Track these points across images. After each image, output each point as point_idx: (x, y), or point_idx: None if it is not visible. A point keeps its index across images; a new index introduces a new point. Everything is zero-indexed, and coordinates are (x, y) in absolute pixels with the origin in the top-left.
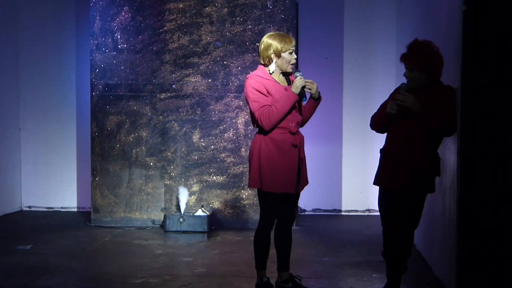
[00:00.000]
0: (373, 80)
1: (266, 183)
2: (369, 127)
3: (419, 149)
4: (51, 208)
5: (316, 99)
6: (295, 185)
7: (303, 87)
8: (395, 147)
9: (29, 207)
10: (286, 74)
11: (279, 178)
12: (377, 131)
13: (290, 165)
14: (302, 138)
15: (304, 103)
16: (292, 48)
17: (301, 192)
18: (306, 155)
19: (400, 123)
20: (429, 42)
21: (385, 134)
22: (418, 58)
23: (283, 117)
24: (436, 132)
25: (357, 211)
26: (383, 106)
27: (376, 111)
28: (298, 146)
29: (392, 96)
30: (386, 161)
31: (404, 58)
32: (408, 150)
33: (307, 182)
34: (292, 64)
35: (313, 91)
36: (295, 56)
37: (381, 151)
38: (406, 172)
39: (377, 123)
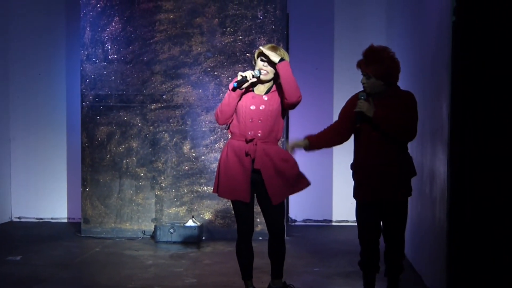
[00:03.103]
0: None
1: (221, 189)
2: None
3: (389, 158)
4: (41, 218)
5: (278, 62)
6: (248, 194)
7: (244, 77)
8: (364, 160)
9: (19, 217)
10: (272, 81)
11: (231, 185)
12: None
13: (243, 173)
14: (263, 149)
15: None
16: (260, 58)
17: (288, 202)
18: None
19: (365, 135)
20: (385, 48)
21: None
22: (375, 64)
23: (229, 111)
24: (394, 137)
25: (347, 221)
26: (340, 114)
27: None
28: (251, 156)
29: (348, 103)
30: (360, 176)
31: (360, 65)
32: (378, 161)
33: (299, 187)
34: (263, 70)
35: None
36: (263, 65)
37: (352, 166)
38: (383, 183)
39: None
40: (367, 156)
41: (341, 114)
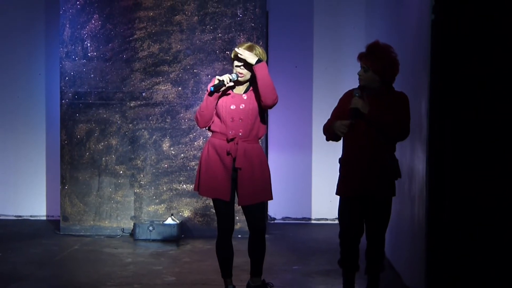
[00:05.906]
0: (342, 88)
1: (202, 187)
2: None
3: (378, 154)
4: (20, 216)
5: (255, 63)
6: (229, 192)
7: (221, 81)
8: (353, 154)
9: None
10: (250, 83)
11: (212, 183)
12: (332, 140)
13: (224, 171)
14: (244, 148)
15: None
16: (236, 61)
17: (267, 201)
18: (275, 163)
19: (356, 130)
20: (389, 46)
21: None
22: (376, 59)
23: (208, 114)
24: (386, 135)
25: (326, 219)
26: (334, 113)
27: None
28: (232, 155)
29: (341, 101)
30: (347, 170)
31: (361, 58)
32: (367, 156)
33: (264, 197)
34: (239, 73)
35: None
36: (240, 67)
37: (340, 160)
38: (370, 179)
39: (330, 131)
40: (359, 151)
41: (334, 113)
